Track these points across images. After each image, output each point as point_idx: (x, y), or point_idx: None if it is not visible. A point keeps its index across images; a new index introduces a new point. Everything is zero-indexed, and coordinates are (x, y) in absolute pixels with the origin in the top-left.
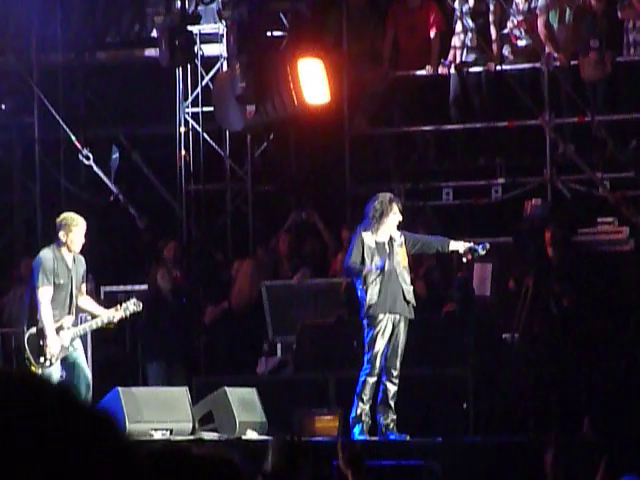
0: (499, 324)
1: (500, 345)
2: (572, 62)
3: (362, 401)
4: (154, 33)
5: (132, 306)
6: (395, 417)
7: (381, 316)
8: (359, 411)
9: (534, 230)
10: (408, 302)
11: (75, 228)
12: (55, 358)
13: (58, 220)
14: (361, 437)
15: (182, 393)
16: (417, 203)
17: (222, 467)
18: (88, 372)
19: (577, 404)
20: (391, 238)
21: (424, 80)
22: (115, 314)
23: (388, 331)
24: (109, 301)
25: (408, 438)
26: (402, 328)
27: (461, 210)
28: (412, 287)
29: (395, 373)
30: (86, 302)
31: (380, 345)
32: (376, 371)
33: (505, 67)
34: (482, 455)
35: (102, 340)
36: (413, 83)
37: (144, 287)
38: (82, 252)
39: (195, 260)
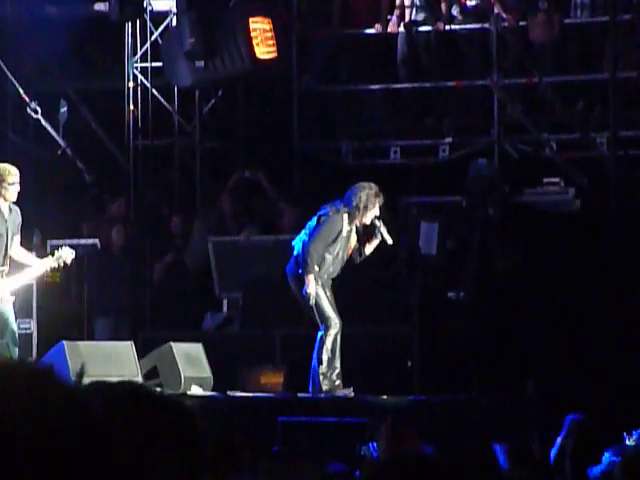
0: (444, 283)
1: (445, 304)
2: (520, 23)
3: (321, 362)
4: None
5: (65, 254)
6: (340, 372)
7: (324, 289)
8: (321, 370)
9: (480, 190)
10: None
11: (9, 177)
12: None
13: None
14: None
15: (127, 347)
16: (365, 162)
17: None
18: (15, 327)
19: (521, 365)
20: (357, 227)
21: (373, 38)
22: (49, 263)
23: (328, 288)
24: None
25: (351, 394)
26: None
27: (408, 169)
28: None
29: (338, 324)
30: (19, 253)
31: (327, 301)
32: (337, 327)
33: (454, 27)
34: (426, 413)
35: (47, 294)
36: (362, 41)
37: (91, 241)
38: (29, 205)
39: (142, 215)
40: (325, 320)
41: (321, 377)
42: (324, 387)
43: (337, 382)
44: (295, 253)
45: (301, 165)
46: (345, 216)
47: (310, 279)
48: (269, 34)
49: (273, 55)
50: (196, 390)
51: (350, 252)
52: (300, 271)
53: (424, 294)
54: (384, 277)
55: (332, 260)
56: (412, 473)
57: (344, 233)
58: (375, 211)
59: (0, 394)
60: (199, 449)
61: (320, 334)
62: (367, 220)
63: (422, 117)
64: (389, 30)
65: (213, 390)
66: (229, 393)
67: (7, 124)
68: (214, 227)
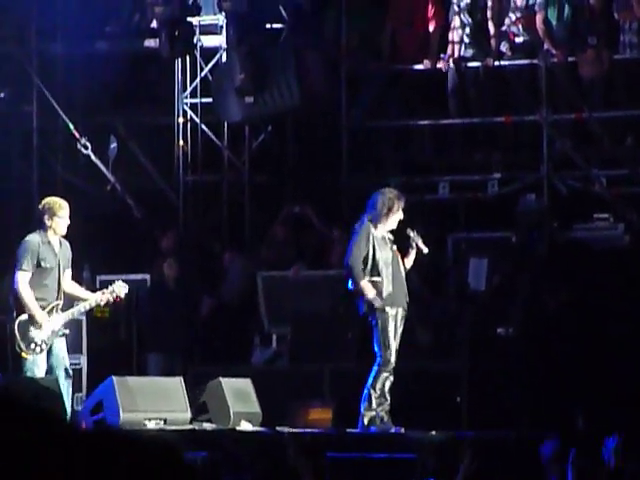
0: (494, 319)
1: (494, 339)
2: (569, 59)
3: (375, 392)
4: (154, 23)
5: (118, 288)
6: (389, 408)
7: (391, 312)
8: (373, 405)
9: (529, 226)
10: (406, 298)
11: (59, 211)
12: (46, 344)
13: (41, 205)
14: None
15: (177, 383)
16: (413, 197)
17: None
18: (67, 362)
19: (571, 401)
20: (389, 233)
21: (422, 74)
22: (102, 297)
23: (400, 325)
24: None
25: (402, 430)
26: (402, 319)
27: (457, 204)
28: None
29: (392, 366)
30: (72, 286)
31: (391, 336)
32: (391, 365)
33: (503, 63)
34: (475, 450)
35: (97, 329)
36: (411, 77)
37: (140, 276)
38: (78, 241)
39: (191, 251)
40: (383, 351)
41: (365, 416)
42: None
43: (385, 419)
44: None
45: (349, 200)
46: (369, 224)
47: (364, 285)
48: (319, 68)
49: (323, 89)
50: (245, 426)
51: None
52: (352, 287)
53: (473, 330)
54: (434, 313)
55: (391, 270)
56: None
57: (378, 240)
58: (399, 214)
59: None
60: None
61: (375, 369)
62: (393, 224)
63: (471, 152)
64: (438, 66)
65: (262, 425)
66: (278, 429)
67: (57, 160)
68: (263, 262)
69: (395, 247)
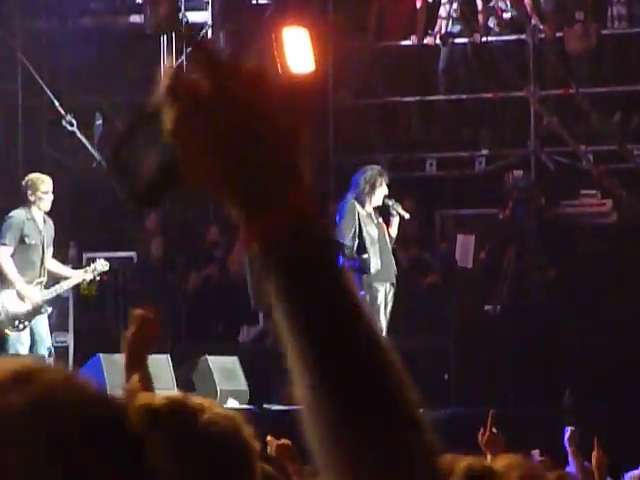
0: (481, 295)
1: (482, 317)
2: (557, 34)
3: None
4: None
5: (100, 266)
6: None
7: (380, 287)
8: None
9: (516, 202)
10: (395, 272)
11: (42, 187)
12: (29, 320)
13: (24, 182)
14: None
15: (164, 360)
16: (401, 175)
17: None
18: (49, 341)
19: (558, 377)
20: (375, 210)
21: (409, 50)
22: (84, 275)
23: (389, 301)
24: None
25: None
26: (391, 295)
27: (444, 181)
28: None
29: None
30: (54, 264)
31: (383, 318)
32: None
33: (490, 38)
34: (463, 427)
35: (83, 308)
36: (398, 53)
37: (127, 254)
38: (64, 218)
39: (177, 228)
40: None
41: None
42: None
43: None
44: None
45: (337, 178)
46: (354, 201)
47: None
48: (305, 45)
49: (308, 66)
50: (232, 403)
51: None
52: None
53: (461, 307)
54: (420, 290)
55: (378, 246)
56: None
57: (362, 216)
58: (383, 190)
59: None
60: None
61: None
62: (378, 200)
63: (458, 129)
64: (425, 42)
65: (249, 403)
66: (265, 406)
67: (42, 137)
68: None
69: (381, 220)
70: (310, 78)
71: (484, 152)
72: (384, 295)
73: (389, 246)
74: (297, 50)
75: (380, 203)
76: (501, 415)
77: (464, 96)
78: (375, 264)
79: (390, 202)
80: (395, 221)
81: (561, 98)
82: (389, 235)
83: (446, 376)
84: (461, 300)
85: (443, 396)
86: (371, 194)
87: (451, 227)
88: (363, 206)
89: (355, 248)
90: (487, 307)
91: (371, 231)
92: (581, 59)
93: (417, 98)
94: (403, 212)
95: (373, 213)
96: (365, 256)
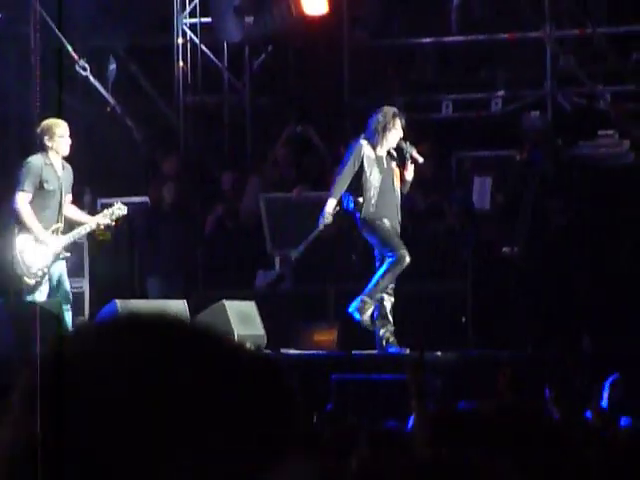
0: (499, 238)
1: (499, 258)
2: None
3: (384, 290)
4: None
5: (117, 210)
6: (393, 329)
7: (384, 220)
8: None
9: (533, 143)
10: (399, 221)
11: (57, 129)
12: (47, 267)
13: (39, 128)
14: (356, 314)
15: (180, 306)
16: (417, 116)
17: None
18: (68, 285)
19: (577, 320)
20: (389, 153)
21: None
22: (102, 220)
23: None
24: None
25: (408, 351)
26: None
27: (460, 123)
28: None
29: (391, 285)
30: (71, 210)
31: (395, 237)
32: (405, 257)
33: None
34: (481, 369)
35: (99, 253)
36: None
37: (141, 199)
38: (79, 164)
39: (193, 172)
40: (396, 249)
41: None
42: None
43: (391, 340)
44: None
45: (352, 120)
46: (364, 142)
47: (329, 202)
48: None
49: (324, 10)
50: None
51: (400, 181)
52: (347, 206)
53: (478, 249)
54: (437, 232)
55: (379, 190)
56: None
57: (369, 160)
58: (398, 132)
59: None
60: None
61: (389, 263)
62: (392, 142)
63: (474, 70)
64: None
65: (266, 348)
66: (282, 351)
67: (55, 82)
68: (265, 183)
69: (393, 165)
70: (324, 19)
71: (500, 93)
72: (391, 227)
73: (397, 193)
74: None
75: (394, 146)
76: (519, 357)
77: (480, 37)
78: (367, 209)
79: (404, 145)
80: (410, 166)
81: (578, 38)
82: (403, 179)
83: (464, 319)
84: (478, 242)
85: (461, 339)
86: (384, 136)
87: (468, 169)
88: (375, 148)
89: (354, 189)
90: (505, 249)
91: (376, 175)
92: None
93: (432, 39)
94: (417, 155)
95: (385, 156)
96: (360, 199)
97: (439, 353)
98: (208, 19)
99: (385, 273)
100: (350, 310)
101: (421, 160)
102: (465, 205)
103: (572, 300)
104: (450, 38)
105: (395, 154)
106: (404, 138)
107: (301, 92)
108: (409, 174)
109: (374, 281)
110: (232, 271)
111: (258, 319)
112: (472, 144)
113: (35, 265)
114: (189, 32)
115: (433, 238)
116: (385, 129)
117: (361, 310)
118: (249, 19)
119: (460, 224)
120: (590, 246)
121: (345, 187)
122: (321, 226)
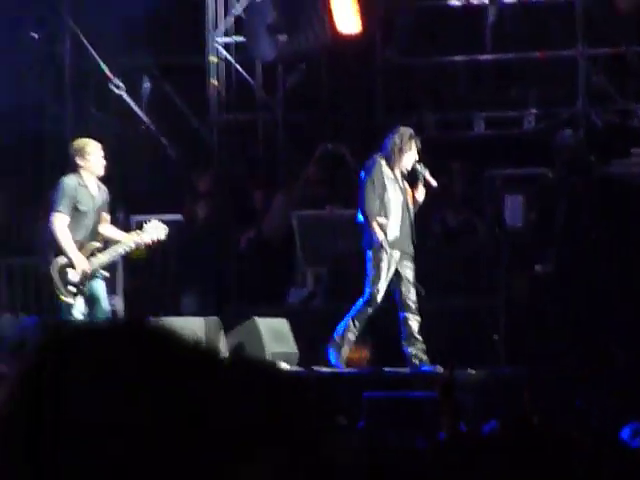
0: (531, 256)
1: (532, 276)
2: None
3: (349, 330)
4: None
5: (157, 232)
6: (424, 347)
7: (393, 253)
8: (343, 338)
9: (565, 161)
10: (413, 240)
11: (90, 149)
12: (84, 286)
13: (71, 149)
14: (333, 361)
15: (214, 322)
16: (449, 134)
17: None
18: (107, 304)
19: (609, 338)
20: (402, 174)
21: (456, 10)
22: (140, 239)
23: (393, 268)
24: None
25: (439, 369)
26: (409, 264)
27: (493, 141)
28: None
29: (414, 306)
30: (108, 229)
31: (384, 282)
32: (376, 304)
33: None
34: (512, 387)
35: (133, 271)
36: (445, 13)
37: (175, 217)
38: (112, 181)
39: (226, 190)
40: (372, 288)
41: (333, 345)
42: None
43: (423, 357)
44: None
45: (383, 138)
46: (382, 162)
47: (375, 227)
48: (353, 7)
49: (357, 29)
50: (282, 366)
51: (412, 202)
52: (360, 220)
53: (510, 266)
54: (469, 250)
55: (395, 216)
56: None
57: (388, 179)
58: (413, 154)
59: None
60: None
61: (360, 303)
62: (407, 164)
63: (507, 88)
64: (472, 1)
65: (298, 366)
66: (314, 368)
67: (90, 100)
68: (298, 201)
69: (407, 186)
70: (357, 38)
71: (533, 111)
72: (389, 260)
73: (411, 214)
74: (344, 10)
75: (409, 167)
76: (552, 374)
77: (512, 55)
78: (394, 231)
79: (419, 166)
80: (421, 187)
81: (610, 56)
82: (414, 200)
83: (496, 336)
84: (511, 259)
85: (493, 356)
86: (400, 157)
87: (500, 186)
88: (391, 169)
89: (377, 210)
90: (537, 266)
91: (395, 196)
92: (630, 16)
93: (465, 57)
94: (430, 178)
95: (400, 177)
96: (384, 220)
97: (471, 370)
98: (241, 38)
99: (356, 314)
100: (328, 354)
101: (435, 184)
102: (497, 223)
103: (605, 316)
104: (482, 56)
105: (406, 174)
106: (419, 160)
107: (333, 110)
108: (420, 195)
109: (344, 323)
110: (264, 288)
111: (291, 336)
112: (504, 162)
113: (71, 284)
114: (222, 50)
115: (465, 255)
116: (402, 151)
117: (336, 350)
118: (282, 37)
119: (492, 241)
120: (622, 263)
121: (377, 204)
122: (386, 258)
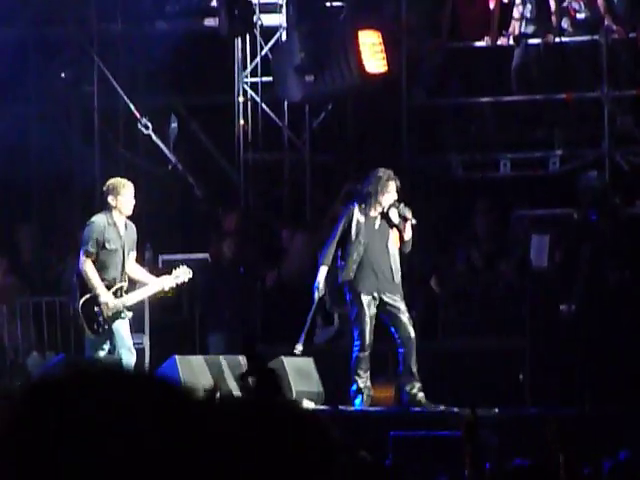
0: (556, 295)
1: (557, 317)
2: (631, 35)
3: (359, 376)
4: (214, 2)
5: (183, 274)
6: (421, 385)
7: (364, 298)
8: (359, 384)
9: (591, 202)
10: (393, 279)
11: (123, 190)
12: (109, 324)
13: (105, 186)
14: (361, 407)
15: (239, 361)
16: (475, 175)
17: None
18: (130, 344)
19: (636, 376)
20: (382, 215)
21: (482, 51)
22: (166, 283)
23: (373, 308)
24: (167, 270)
25: (442, 408)
26: (397, 300)
27: (518, 182)
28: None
29: (411, 342)
30: (136, 270)
31: (367, 321)
32: (367, 344)
33: (564, 39)
34: (539, 427)
35: (159, 308)
36: (471, 54)
37: (202, 256)
38: (140, 220)
39: (253, 229)
40: (360, 339)
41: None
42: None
43: (423, 400)
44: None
45: (410, 179)
46: (355, 209)
47: (321, 270)
48: (379, 48)
49: (383, 69)
50: (307, 405)
51: (399, 244)
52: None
53: (536, 307)
54: (495, 290)
55: (362, 256)
56: None
57: (361, 224)
58: (392, 195)
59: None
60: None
61: (354, 355)
62: (385, 204)
63: (532, 129)
64: (498, 43)
65: (324, 404)
66: (340, 408)
67: (118, 140)
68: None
69: (387, 228)
70: (383, 78)
71: (558, 152)
72: (368, 306)
73: (390, 254)
74: (371, 51)
75: (387, 208)
76: (578, 416)
77: (538, 96)
78: (367, 274)
79: (399, 207)
80: (407, 226)
81: (635, 98)
82: (402, 240)
83: (521, 376)
84: (536, 300)
85: (518, 396)
86: (377, 199)
87: (526, 227)
88: (368, 211)
89: (340, 254)
90: (562, 307)
91: (364, 240)
92: None
93: (490, 98)
94: (410, 217)
95: (379, 219)
96: (341, 264)
97: (496, 410)
98: (269, 78)
99: (356, 367)
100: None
101: (414, 222)
102: (523, 263)
103: (630, 358)
104: (508, 97)
105: (394, 216)
106: (399, 200)
107: (359, 150)
108: (407, 234)
109: (353, 377)
110: (291, 327)
111: (316, 376)
112: (530, 202)
113: (97, 321)
114: (250, 90)
115: (491, 295)
116: (379, 192)
117: (362, 396)
118: (309, 78)
119: (518, 282)
120: None
121: (333, 252)
122: (316, 299)
